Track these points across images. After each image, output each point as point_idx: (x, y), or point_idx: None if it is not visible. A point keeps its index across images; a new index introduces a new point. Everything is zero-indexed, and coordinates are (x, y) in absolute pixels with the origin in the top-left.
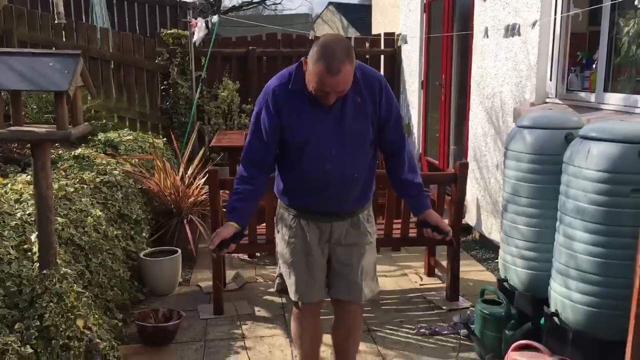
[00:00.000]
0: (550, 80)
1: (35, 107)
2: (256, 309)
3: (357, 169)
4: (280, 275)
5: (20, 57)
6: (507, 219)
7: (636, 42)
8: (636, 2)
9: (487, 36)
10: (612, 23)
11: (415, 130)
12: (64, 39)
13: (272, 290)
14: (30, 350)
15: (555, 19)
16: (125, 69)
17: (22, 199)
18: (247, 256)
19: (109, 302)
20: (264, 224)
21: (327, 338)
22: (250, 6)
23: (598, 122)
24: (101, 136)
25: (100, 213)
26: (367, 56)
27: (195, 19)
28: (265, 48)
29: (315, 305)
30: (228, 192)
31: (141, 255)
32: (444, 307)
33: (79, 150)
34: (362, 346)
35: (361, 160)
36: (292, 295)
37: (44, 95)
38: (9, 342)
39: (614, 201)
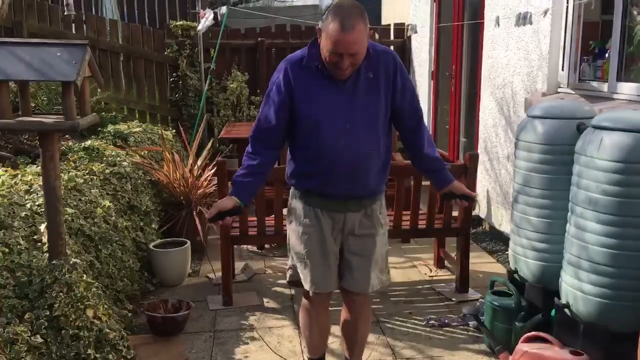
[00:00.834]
0: (562, 69)
1: (45, 98)
2: (265, 300)
3: (370, 145)
4: (293, 267)
5: (28, 47)
6: (517, 210)
7: None
8: None
9: (498, 25)
10: (625, 11)
11: (425, 121)
12: (73, 31)
13: (281, 281)
14: (40, 340)
15: (567, 7)
16: (134, 61)
17: (32, 190)
18: (256, 248)
19: (119, 292)
20: (273, 216)
21: (335, 329)
22: None
23: (610, 111)
24: (111, 128)
25: (109, 204)
26: None
27: (204, 9)
28: (274, 39)
29: (327, 295)
30: None
31: (151, 246)
32: (454, 299)
33: (88, 142)
34: (371, 337)
35: (375, 138)
36: (307, 286)
37: (53, 87)
38: (19, 332)
39: (627, 191)
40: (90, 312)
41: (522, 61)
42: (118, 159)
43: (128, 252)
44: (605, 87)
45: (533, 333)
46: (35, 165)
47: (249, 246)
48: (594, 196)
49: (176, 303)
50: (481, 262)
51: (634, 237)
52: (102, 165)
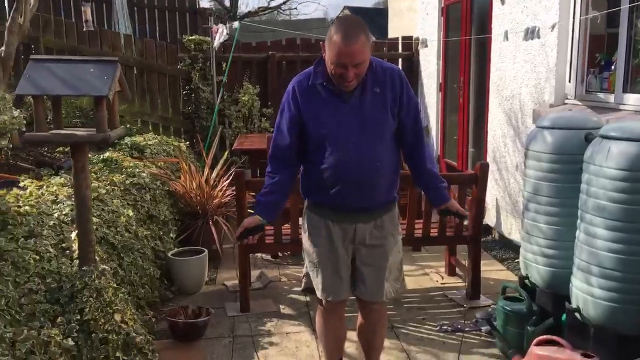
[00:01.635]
0: (569, 81)
1: (63, 112)
2: (281, 306)
3: (378, 159)
4: (307, 275)
5: (63, 64)
6: (528, 217)
7: None
8: None
9: (507, 39)
10: (630, 25)
11: (433, 132)
12: (89, 46)
13: (296, 289)
14: (72, 343)
15: (574, 21)
16: (148, 75)
17: (58, 200)
18: (270, 256)
19: (140, 299)
20: (289, 224)
21: (352, 334)
22: (266, 11)
23: (617, 122)
24: (127, 140)
25: (131, 213)
26: (385, 59)
27: (216, 24)
28: (284, 53)
29: (340, 303)
30: (253, 193)
31: (169, 254)
32: (465, 305)
33: (106, 154)
34: (386, 342)
35: (382, 151)
36: (319, 294)
37: (72, 101)
38: (52, 335)
39: (634, 199)
40: (118, 317)
41: (529, 73)
42: (137, 170)
43: (148, 260)
44: (611, 98)
45: (545, 336)
46: (58, 177)
47: (264, 255)
48: (602, 203)
49: (196, 309)
50: (491, 270)
51: None
52: (122, 176)
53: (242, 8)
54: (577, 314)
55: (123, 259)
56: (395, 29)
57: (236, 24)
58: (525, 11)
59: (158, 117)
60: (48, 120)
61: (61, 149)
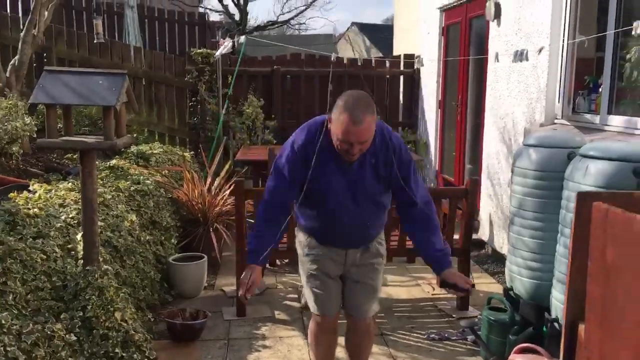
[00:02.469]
0: (559, 102)
1: (73, 120)
2: (276, 312)
3: (368, 219)
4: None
5: (74, 76)
6: (513, 231)
7: (637, 68)
8: (633, 33)
9: (498, 60)
10: (615, 50)
11: (432, 148)
12: (99, 57)
13: (291, 296)
14: (74, 338)
15: (563, 45)
16: (155, 86)
17: (65, 204)
18: (267, 264)
19: (140, 301)
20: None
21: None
22: (275, 26)
23: (597, 141)
24: (133, 149)
25: (135, 218)
26: (387, 76)
27: (224, 38)
28: (289, 67)
29: (332, 319)
30: (252, 202)
31: (170, 259)
32: (454, 316)
33: (113, 162)
34: (375, 349)
35: (373, 213)
36: (312, 308)
37: (81, 110)
38: (56, 330)
39: None
40: (118, 315)
41: (522, 93)
42: (142, 177)
43: (149, 264)
44: (597, 119)
45: (525, 345)
46: (66, 182)
47: None
48: None
49: (193, 312)
50: (482, 283)
51: None
52: (127, 183)
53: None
54: (556, 324)
55: (125, 261)
56: (400, 46)
57: (242, 39)
58: (520, 33)
59: (164, 127)
60: (59, 127)
61: (69, 155)
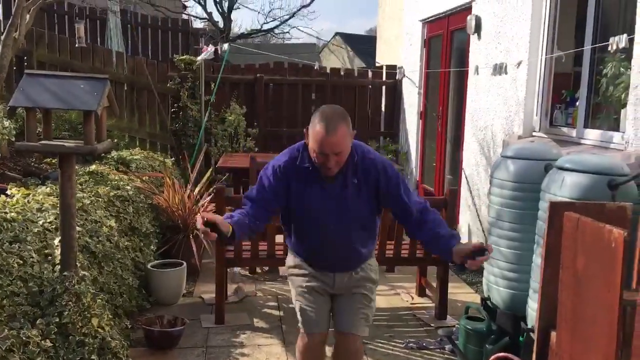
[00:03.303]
0: (536, 115)
1: (53, 125)
2: (255, 320)
3: (352, 241)
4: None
5: (55, 79)
6: (490, 241)
7: (613, 83)
8: (609, 49)
9: (478, 73)
10: (592, 65)
11: (412, 158)
12: (81, 61)
13: (270, 304)
14: (50, 344)
15: (541, 59)
16: (138, 91)
17: (43, 208)
18: (247, 272)
19: (118, 307)
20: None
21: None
22: (259, 34)
23: (573, 154)
24: (114, 154)
25: (114, 224)
26: (369, 86)
27: (207, 45)
28: (272, 75)
29: (320, 336)
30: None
31: (149, 266)
32: (432, 325)
33: (93, 167)
34: None
35: (357, 233)
36: (300, 325)
37: (61, 114)
38: (31, 336)
39: None
40: (95, 321)
41: (501, 106)
42: (121, 183)
43: (128, 271)
44: (574, 132)
45: (501, 354)
46: (45, 187)
47: (241, 270)
48: None
49: (172, 319)
50: (460, 292)
51: None
52: (106, 188)
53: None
54: (532, 334)
55: (103, 267)
56: (383, 57)
57: (226, 46)
58: (499, 47)
59: (146, 133)
60: (38, 132)
61: (48, 160)
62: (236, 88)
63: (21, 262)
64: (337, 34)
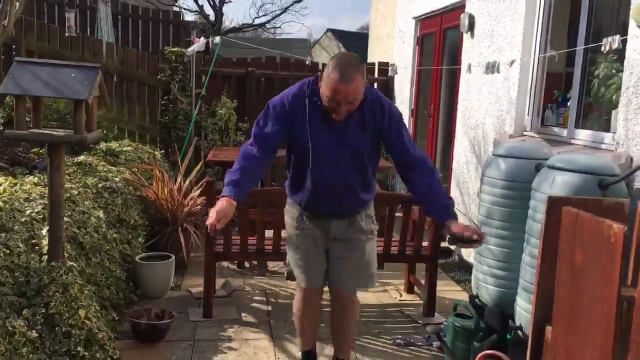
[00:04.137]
0: (528, 115)
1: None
2: (243, 314)
3: (352, 180)
4: (288, 263)
5: (46, 67)
6: None
7: (605, 84)
8: (602, 49)
9: (470, 71)
10: (584, 65)
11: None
12: (70, 51)
13: (258, 298)
14: (36, 335)
15: (534, 58)
16: (127, 83)
17: (30, 198)
18: (236, 266)
19: (105, 300)
20: (255, 236)
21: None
22: (250, 28)
23: (564, 154)
24: (102, 145)
25: (102, 215)
26: None
27: (198, 37)
28: (263, 70)
29: (316, 292)
30: None
31: (136, 258)
32: (420, 322)
33: (81, 158)
34: None
35: (357, 174)
36: (297, 280)
37: (49, 104)
38: (17, 326)
39: None
40: (82, 313)
41: (493, 105)
42: (110, 174)
43: (115, 263)
44: (565, 132)
45: (489, 352)
46: (32, 176)
47: (230, 264)
48: None
49: (159, 312)
50: (449, 290)
51: None
52: (95, 179)
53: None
54: (519, 332)
55: (91, 259)
56: (375, 54)
57: (217, 39)
58: (492, 46)
59: (135, 125)
60: (27, 121)
61: (36, 149)
62: (227, 81)
63: (7, 251)
64: (328, 30)
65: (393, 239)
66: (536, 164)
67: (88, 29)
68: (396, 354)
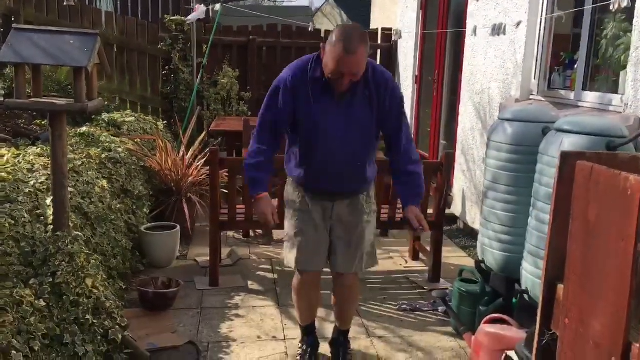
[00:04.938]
0: (535, 78)
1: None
2: (249, 282)
3: (357, 156)
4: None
5: (44, 35)
6: (486, 204)
7: (613, 44)
8: (611, 8)
9: (475, 35)
10: (592, 26)
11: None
12: (69, 21)
13: (264, 266)
14: (44, 304)
15: (541, 20)
16: (128, 53)
17: (34, 169)
18: (241, 236)
19: (112, 269)
20: None
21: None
22: None
23: (571, 116)
24: (105, 116)
25: (105, 184)
26: None
27: (199, 5)
28: (265, 38)
29: (315, 275)
30: (227, 172)
31: (142, 228)
32: (426, 287)
33: (84, 129)
34: None
35: (362, 146)
36: (292, 264)
37: (50, 74)
38: (25, 295)
39: None
40: (89, 281)
41: (499, 69)
42: (113, 145)
43: (121, 233)
44: (572, 95)
45: (494, 315)
46: (35, 147)
47: (235, 234)
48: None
49: (166, 281)
50: (454, 256)
51: None
52: (98, 150)
53: None
54: (525, 296)
55: (96, 229)
56: (377, 21)
57: (218, 7)
58: (498, 8)
59: (137, 96)
60: (28, 92)
61: (38, 121)
62: (229, 51)
63: (13, 222)
64: None
65: (398, 206)
66: (543, 128)
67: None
68: (402, 319)
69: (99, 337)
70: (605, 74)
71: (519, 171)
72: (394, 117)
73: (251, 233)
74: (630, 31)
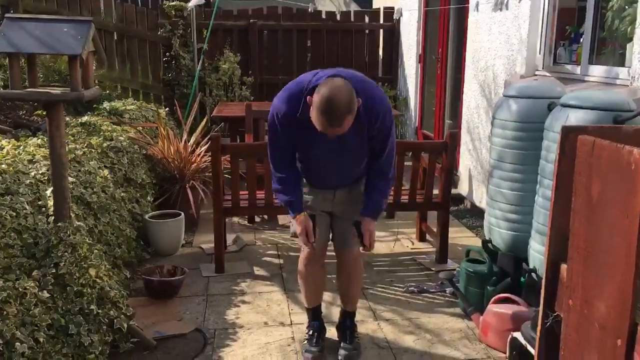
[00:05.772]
0: (540, 53)
1: (41, 75)
2: (255, 268)
3: (353, 167)
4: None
5: (38, 23)
6: (492, 183)
7: (619, 17)
8: None
9: (478, 10)
10: None
11: (412, 103)
12: (68, 10)
13: (270, 252)
14: (47, 295)
15: None
16: (128, 40)
17: (34, 160)
18: (246, 222)
19: (117, 258)
20: (263, 190)
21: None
22: None
23: (577, 91)
24: (106, 105)
25: (107, 174)
26: (366, 31)
27: None
28: (266, 21)
29: (320, 251)
30: (229, 157)
31: (146, 217)
32: (433, 269)
33: (85, 118)
34: None
35: (357, 163)
36: (301, 239)
37: (50, 64)
38: (28, 287)
39: None
40: (92, 272)
41: (503, 45)
42: (115, 133)
43: (125, 222)
44: (578, 69)
45: (502, 295)
46: (36, 138)
47: (240, 220)
48: None
49: (171, 269)
50: (461, 237)
51: None
52: (99, 139)
53: None
54: (533, 275)
55: (99, 219)
56: (379, 2)
57: None
58: None
59: (138, 84)
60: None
61: (39, 112)
62: (229, 35)
63: (14, 214)
64: None
65: (403, 188)
66: (549, 103)
67: None
68: (409, 301)
69: (105, 327)
70: (611, 47)
71: (525, 148)
72: (380, 141)
73: (256, 218)
74: (636, 2)
